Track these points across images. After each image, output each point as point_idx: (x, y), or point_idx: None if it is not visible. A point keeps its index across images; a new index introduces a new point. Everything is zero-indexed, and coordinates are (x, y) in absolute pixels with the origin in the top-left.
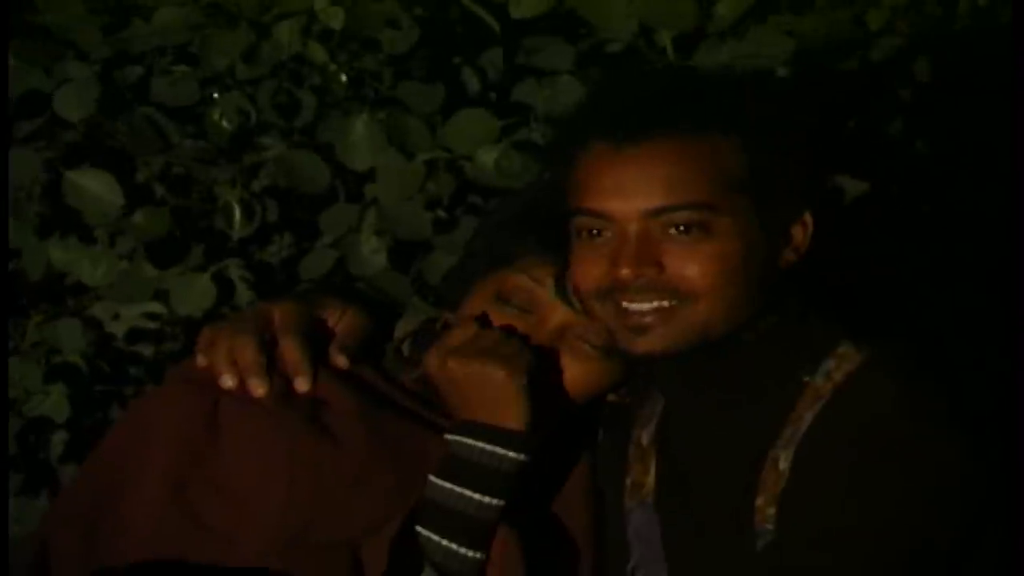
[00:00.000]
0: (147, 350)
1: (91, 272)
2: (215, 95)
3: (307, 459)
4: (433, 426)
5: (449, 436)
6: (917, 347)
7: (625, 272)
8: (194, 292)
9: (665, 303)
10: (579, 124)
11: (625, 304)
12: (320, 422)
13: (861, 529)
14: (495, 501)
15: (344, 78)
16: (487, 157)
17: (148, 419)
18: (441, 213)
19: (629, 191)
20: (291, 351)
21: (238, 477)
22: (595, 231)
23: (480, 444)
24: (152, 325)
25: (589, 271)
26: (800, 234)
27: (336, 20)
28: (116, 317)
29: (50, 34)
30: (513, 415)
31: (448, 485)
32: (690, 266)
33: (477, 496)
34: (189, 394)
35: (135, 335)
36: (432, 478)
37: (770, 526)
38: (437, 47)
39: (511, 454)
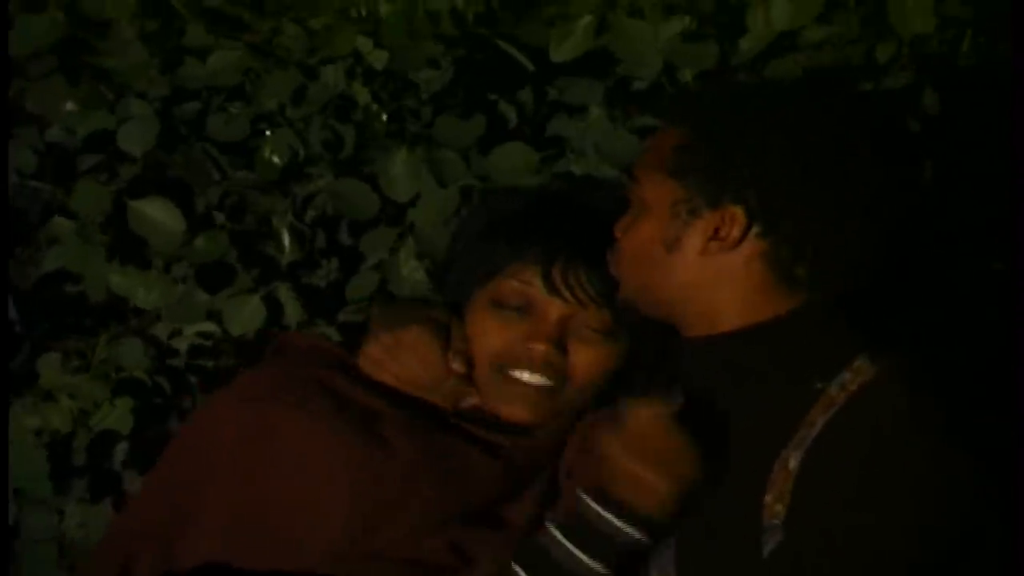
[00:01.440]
0: (204, 366)
1: (145, 296)
2: (266, 131)
3: (366, 466)
4: (474, 438)
5: (581, 494)
6: (930, 362)
7: None
8: (246, 313)
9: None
10: None
11: None
12: (373, 431)
13: (864, 534)
14: (603, 571)
15: (384, 116)
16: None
17: (211, 433)
18: None
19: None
20: (445, 387)
21: (300, 486)
22: None
23: (609, 516)
24: (207, 343)
25: None
26: (729, 227)
27: (380, 61)
28: (175, 335)
29: (111, 77)
30: (658, 507)
31: (565, 542)
32: (618, 229)
33: (587, 559)
34: (245, 407)
35: (193, 352)
36: (551, 528)
37: (777, 522)
38: (474, 84)
39: (639, 536)
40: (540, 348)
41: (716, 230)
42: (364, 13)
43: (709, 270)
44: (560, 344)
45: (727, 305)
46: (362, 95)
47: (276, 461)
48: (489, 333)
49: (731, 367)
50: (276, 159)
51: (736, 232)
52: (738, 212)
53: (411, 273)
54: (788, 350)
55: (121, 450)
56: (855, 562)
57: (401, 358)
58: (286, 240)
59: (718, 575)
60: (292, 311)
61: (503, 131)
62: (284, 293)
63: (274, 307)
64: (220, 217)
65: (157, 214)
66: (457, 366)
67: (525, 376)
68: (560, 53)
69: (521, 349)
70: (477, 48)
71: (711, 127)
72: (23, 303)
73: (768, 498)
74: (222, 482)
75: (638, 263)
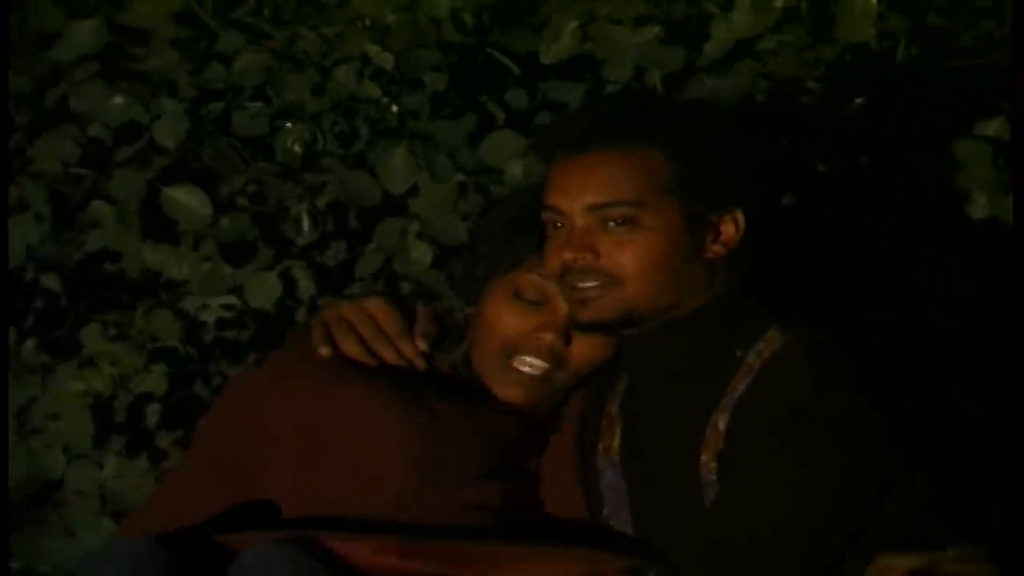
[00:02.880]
0: (227, 336)
1: (178, 270)
2: (287, 125)
3: (413, 432)
4: (474, 403)
5: None
6: (831, 332)
7: (567, 256)
8: (264, 288)
9: (599, 283)
10: (548, 141)
11: (573, 282)
12: (413, 399)
13: (782, 482)
14: None
15: (395, 108)
16: (516, 169)
17: (262, 408)
18: None
19: (575, 191)
20: (407, 349)
21: (355, 459)
22: (556, 224)
23: None
24: (229, 315)
25: (552, 256)
26: (730, 230)
27: (387, 62)
28: (203, 308)
29: (148, 78)
30: None
31: None
32: (621, 254)
33: None
34: (278, 387)
35: (219, 324)
36: None
37: (714, 478)
38: (467, 86)
39: None
40: (548, 338)
41: (719, 234)
42: (368, 23)
43: (705, 271)
44: (566, 335)
45: (685, 300)
46: (372, 91)
47: (330, 437)
48: (505, 321)
49: (668, 353)
50: (297, 148)
51: (737, 233)
52: (739, 213)
53: (420, 256)
54: (713, 326)
55: (154, 411)
56: (778, 507)
57: (364, 319)
58: (305, 224)
59: (668, 527)
60: (305, 287)
61: (492, 127)
62: (299, 271)
63: (289, 283)
64: (243, 200)
65: (187, 199)
66: (422, 344)
67: (528, 361)
68: (550, 56)
69: (531, 338)
70: (470, 54)
71: (702, 146)
72: (68, 280)
73: (704, 457)
74: (284, 455)
75: (659, 276)
